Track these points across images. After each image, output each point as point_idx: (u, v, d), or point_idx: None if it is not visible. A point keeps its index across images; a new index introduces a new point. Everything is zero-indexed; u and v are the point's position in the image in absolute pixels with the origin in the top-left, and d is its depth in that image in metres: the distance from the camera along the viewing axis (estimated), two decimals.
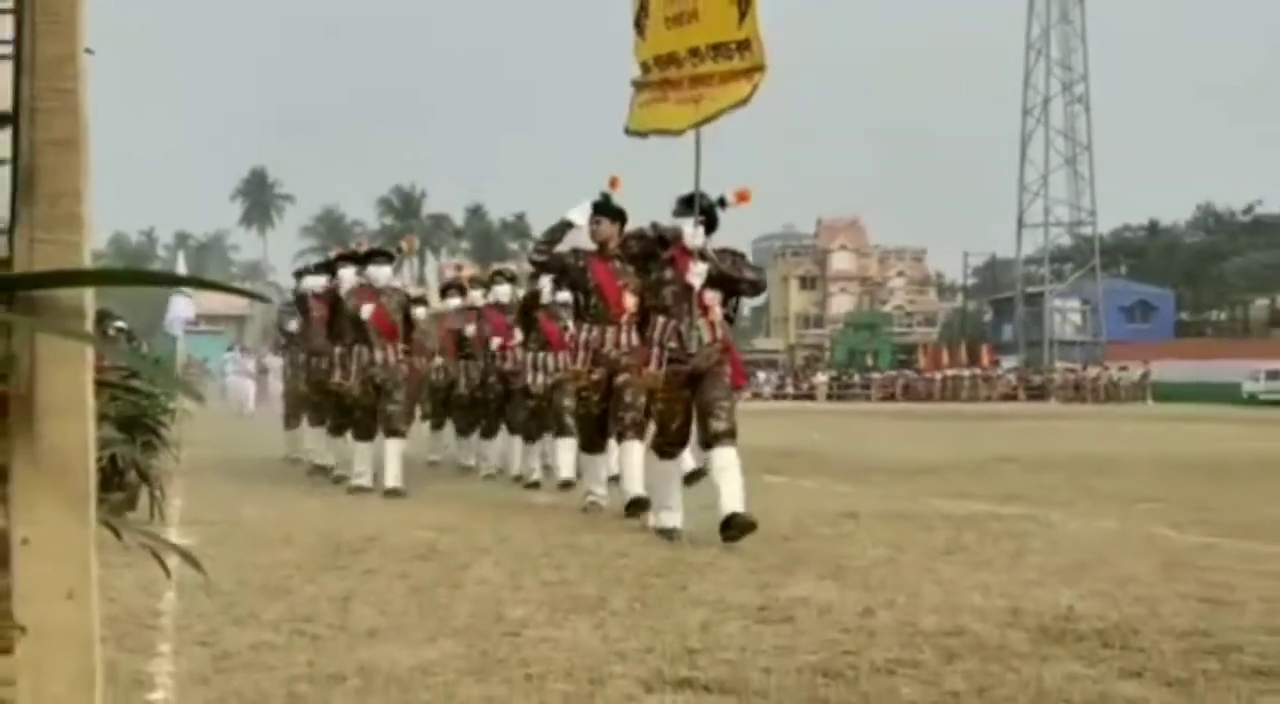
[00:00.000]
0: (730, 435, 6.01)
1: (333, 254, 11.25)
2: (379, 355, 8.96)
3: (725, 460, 5.97)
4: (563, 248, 7.48)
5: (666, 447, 6.35)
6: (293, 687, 3.13)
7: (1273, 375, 41.92)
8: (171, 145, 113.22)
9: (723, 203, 6.39)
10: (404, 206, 76.91)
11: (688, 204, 6.30)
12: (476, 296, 11.19)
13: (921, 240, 73.40)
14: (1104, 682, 3.23)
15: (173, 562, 4.60)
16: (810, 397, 49.50)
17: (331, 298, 9.69)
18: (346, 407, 9.28)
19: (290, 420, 11.89)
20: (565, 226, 7.36)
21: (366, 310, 8.95)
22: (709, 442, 6.07)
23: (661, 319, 6.31)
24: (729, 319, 6.47)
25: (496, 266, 10.91)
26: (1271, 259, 62.95)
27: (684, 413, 6.27)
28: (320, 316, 10.19)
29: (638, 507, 6.94)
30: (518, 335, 9.60)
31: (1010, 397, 49.17)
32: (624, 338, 7.48)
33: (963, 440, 17.16)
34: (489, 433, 10.33)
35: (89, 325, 0.94)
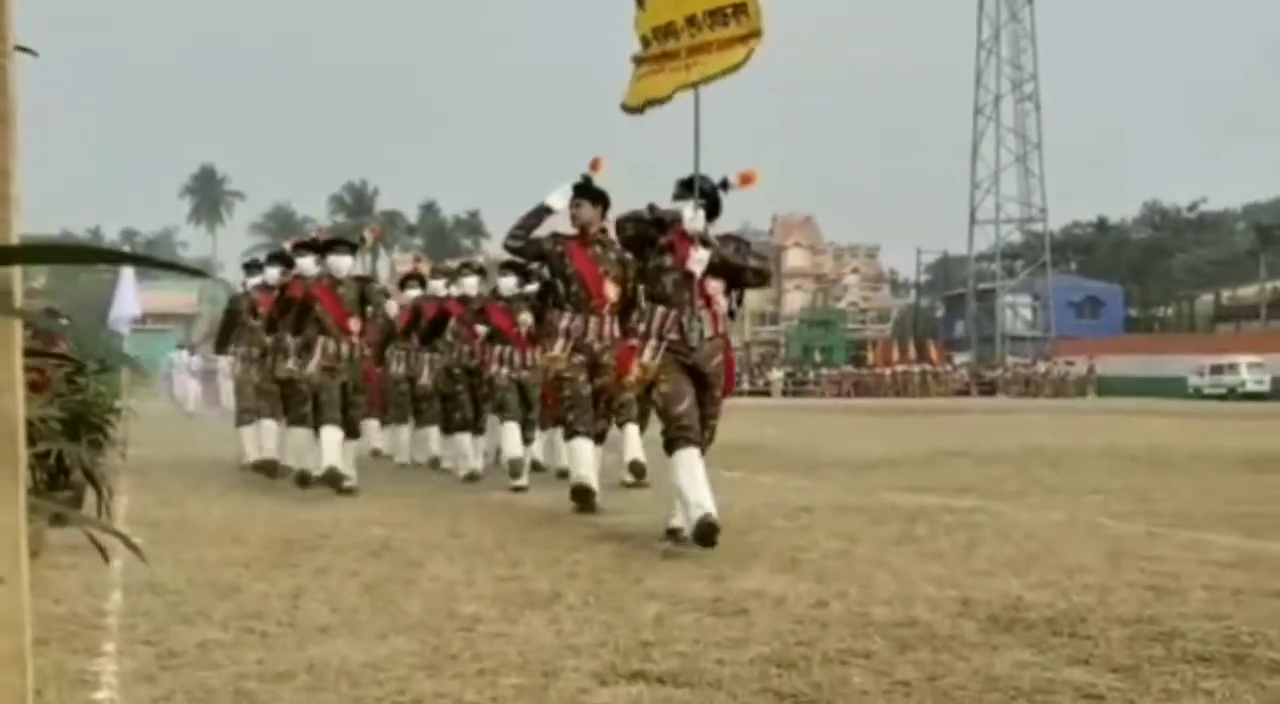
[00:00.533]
0: (710, 442, 5.88)
1: (287, 244, 10.82)
2: (344, 349, 8.65)
3: (698, 469, 5.79)
4: (541, 232, 7.11)
5: (680, 431, 5.64)
6: (241, 684, 3.09)
7: (1216, 370, 42.65)
8: (118, 141, 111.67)
9: (725, 185, 5.98)
10: (356, 203, 76.34)
11: (687, 186, 5.92)
12: (438, 286, 10.91)
13: (875, 237, 73.82)
14: (1052, 669, 3.27)
15: (118, 563, 4.51)
16: (766, 393, 49.73)
17: (282, 290, 9.37)
18: (301, 397, 8.95)
19: (243, 417, 11.35)
20: (543, 211, 6.99)
21: (320, 305, 8.67)
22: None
23: (661, 309, 5.84)
24: (730, 314, 6.04)
25: (465, 259, 10.99)
26: (1216, 255, 64.10)
27: (691, 393, 5.72)
28: (273, 310, 9.81)
29: (584, 495, 6.92)
30: (480, 330, 9.41)
31: (963, 392, 49.66)
32: (606, 328, 7.22)
33: (914, 435, 17.30)
34: (451, 429, 10.07)
35: (18, 302, 0.92)
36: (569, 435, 7.31)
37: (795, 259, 71.32)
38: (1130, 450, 13.05)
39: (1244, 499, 7.73)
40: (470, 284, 10.17)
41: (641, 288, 6.13)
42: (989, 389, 50.36)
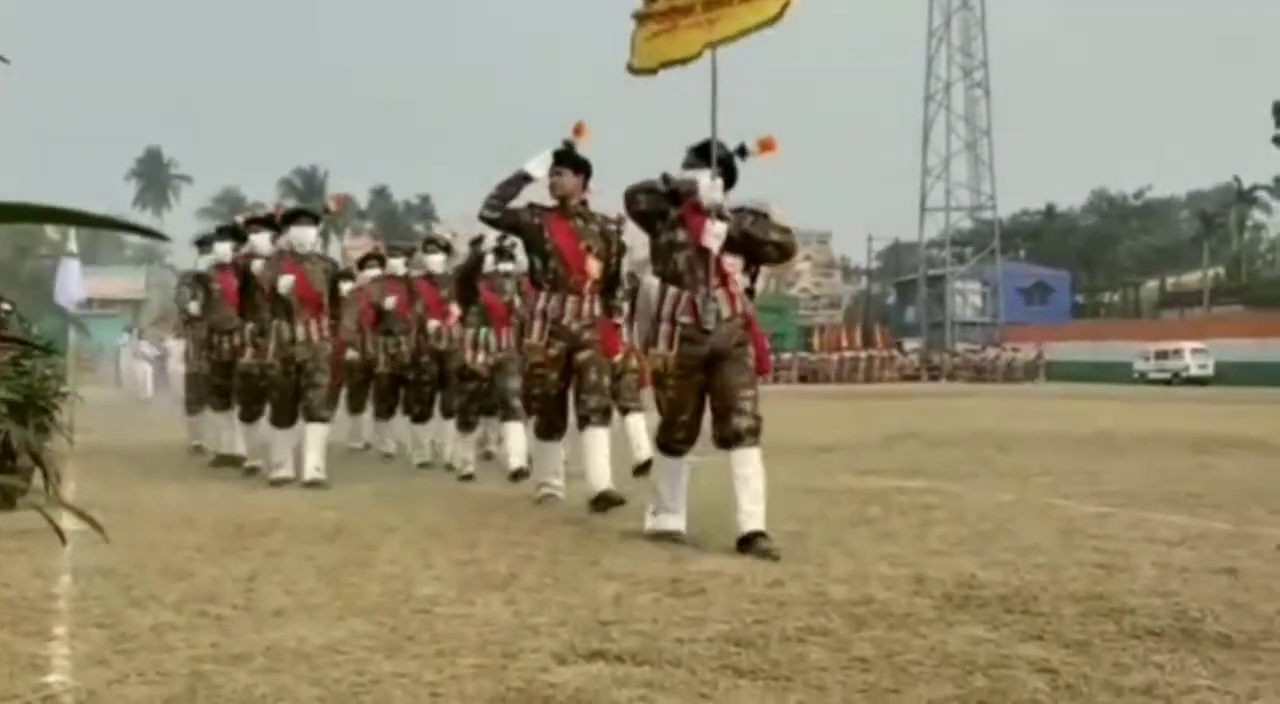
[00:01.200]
0: (754, 434, 5.08)
1: (240, 219, 9.69)
2: (300, 331, 7.90)
3: (747, 465, 5.06)
4: (518, 203, 6.51)
5: (674, 443, 5.35)
6: (196, 667, 3.06)
7: (1161, 355, 43.33)
8: (62, 123, 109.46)
9: (743, 152, 5.38)
10: (306, 187, 75.40)
11: (701, 154, 5.30)
12: (397, 265, 10.36)
13: (826, 224, 74.07)
14: (1007, 645, 3.31)
15: (67, 549, 4.45)
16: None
17: (242, 268, 8.59)
18: (261, 389, 8.43)
19: (193, 406, 10.68)
20: (521, 180, 6.39)
21: (285, 282, 7.89)
22: (727, 439, 5.12)
23: (673, 289, 5.26)
24: (749, 292, 5.42)
25: (430, 234, 10.05)
26: (1161, 242, 65.09)
27: (696, 402, 5.27)
28: (227, 290, 9.17)
29: (606, 501, 6.20)
30: (455, 310, 8.73)
31: (913, 377, 50.09)
32: (586, 308, 6.51)
33: (867, 419, 17.44)
34: (421, 418, 9.46)
35: None
36: (538, 435, 6.76)
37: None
38: (1078, 434, 13.23)
39: (1189, 480, 7.87)
40: (435, 262, 9.53)
41: (624, 264, 5.82)
42: (938, 374, 50.85)
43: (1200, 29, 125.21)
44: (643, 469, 7.49)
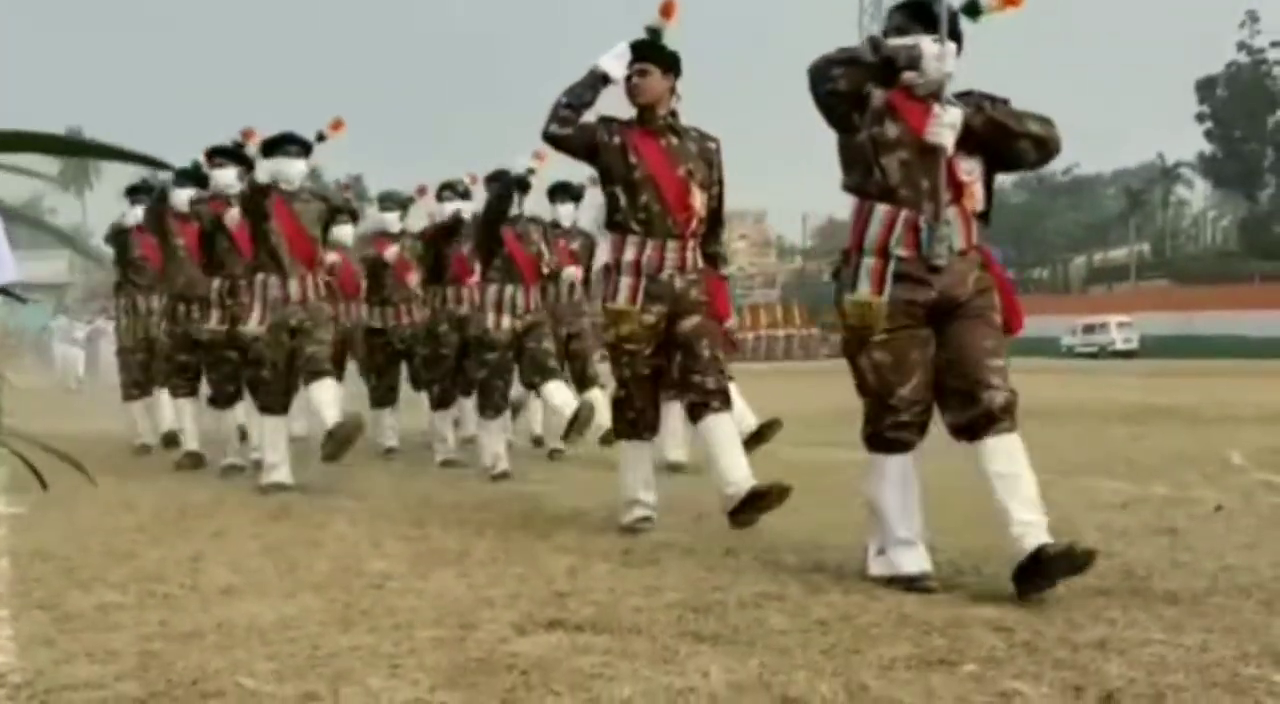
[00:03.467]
0: (1010, 414, 3.63)
1: (202, 156, 7.67)
2: (294, 289, 6.34)
3: (1009, 460, 3.63)
4: (588, 117, 4.85)
5: (893, 430, 3.76)
6: (146, 645, 2.99)
7: (1088, 329, 44.14)
8: None
9: (974, 10, 3.76)
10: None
11: (918, 13, 3.70)
12: (389, 220, 8.59)
13: (761, 203, 74.38)
14: (961, 606, 3.35)
15: (1, 531, 4.31)
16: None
17: (209, 216, 7.15)
18: (233, 365, 7.13)
19: (130, 391, 8.95)
20: (597, 82, 4.74)
21: (231, 216, 6.61)
22: (974, 425, 3.66)
23: (883, 209, 3.64)
24: (983, 217, 3.80)
25: (446, 179, 7.86)
26: (1089, 219, 66.25)
27: (922, 368, 3.68)
28: (190, 245, 7.62)
29: (763, 499, 4.66)
30: (478, 269, 7.23)
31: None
32: (689, 257, 4.88)
33: (810, 394, 17.57)
34: (442, 402, 7.81)
35: None
36: (622, 435, 5.04)
37: None
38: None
39: (1125, 448, 8.03)
40: (453, 208, 7.71)
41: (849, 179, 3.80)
42: None
43: (1124, 8, 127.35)
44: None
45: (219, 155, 7.21)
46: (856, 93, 3.68)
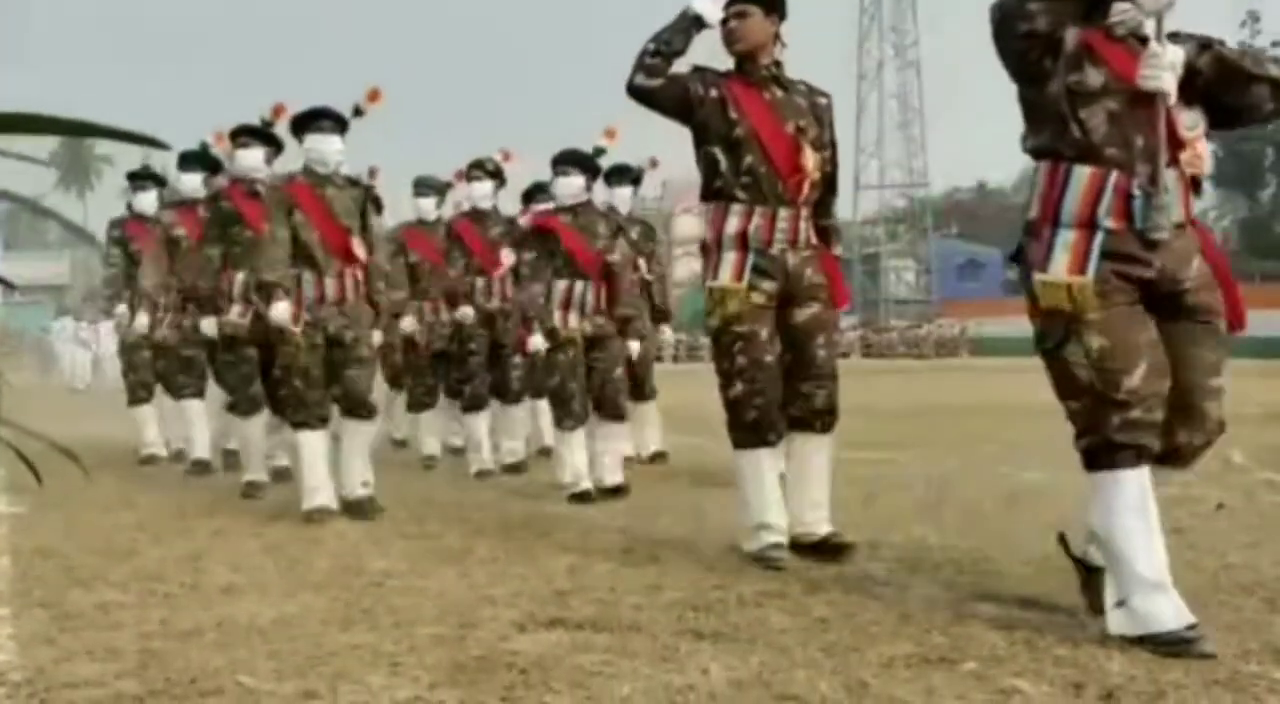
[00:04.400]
0: (1220, 431, 3.12)
1: (210, 136, 6.98)
2: (331, 288, 5.41)
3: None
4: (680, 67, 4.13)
5: (1124, 432, 2.95)
6: (146, 644, 2.99)
7: None
8: None
9: None
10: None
11: None
12: (426, 207, 7.62)
13: None
14: (962, 604, 3.35)
15: (2, 529, 4.31)
16: (659, 358, 49.90)
17: (214, 200, 6.41)
18: (249, 367, 6.21)
19: (140, 394, 8.12)
20: (689, 27, 4.08)
21: (304, 222, 5.38)
22: (1178, 453, 3.10)
23: (1087, 172, 2.98)
24: (1194, 186, 3.08)
25: (473, 159, 7.09)
26: None
27: (1150, 351, 2.95)
28: (191, 233, 6.97)
29: (820, 549, 4.07)
30: (508, 257, 6.34)
31: (844, 354, 50.57)
32: (803, 229, 4.12)
33: None
34: (474, 405, 6.96)
35: None
36: (741, 444, 4.15)
37: (686, 226, 71.38)
38: (1013, 404, 13.42)
39: None
40: (482, 193, 7.02)
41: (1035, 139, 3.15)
42: (873, 351, 51.42)
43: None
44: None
45: (244, 134, 6.27)
46: (1054, 33, 2.99)
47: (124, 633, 3.10)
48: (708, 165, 4.14)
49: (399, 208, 7.72)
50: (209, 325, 6.29)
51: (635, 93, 4.09)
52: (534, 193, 7.23)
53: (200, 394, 7.26)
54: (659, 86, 4.06)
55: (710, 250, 4.13)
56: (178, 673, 2.72)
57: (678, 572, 3.86)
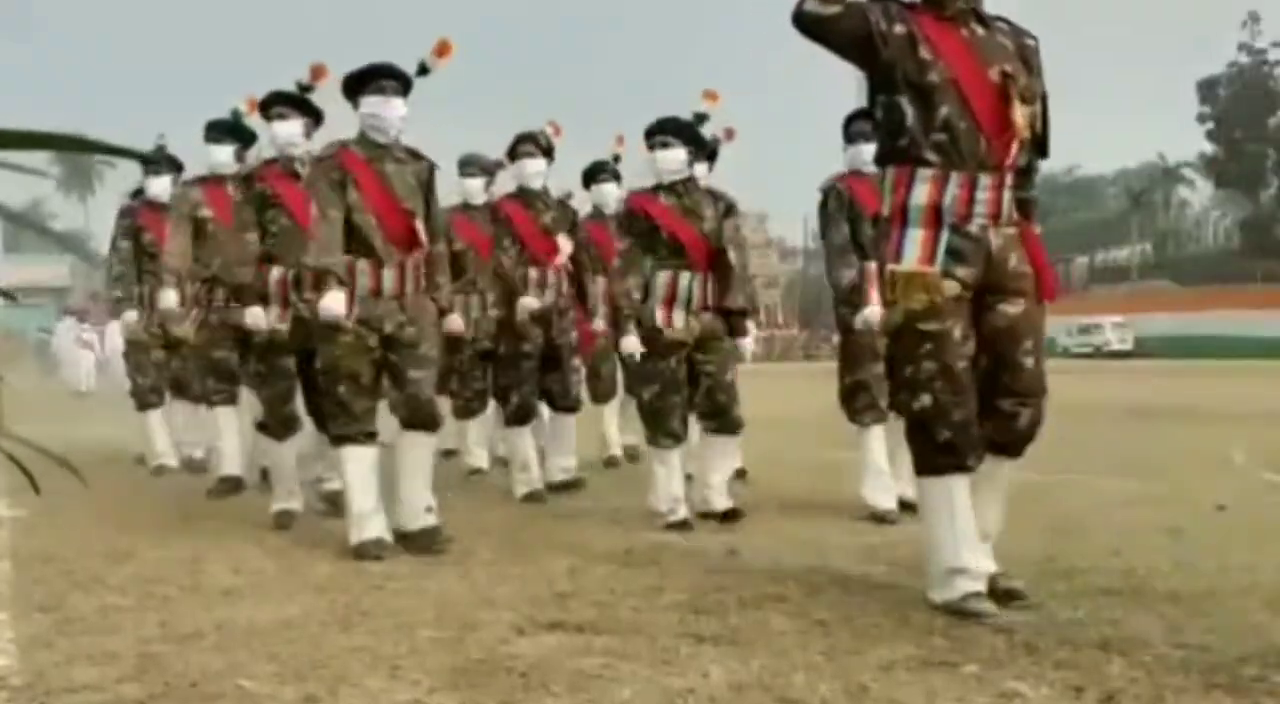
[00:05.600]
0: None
1: (243, 105, 6.11)
2: (391, 279, 4.56)
3: None
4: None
5: None
6: (145, 647, 2.99)
7: (1084, 330, 44.17)
8: None
9: None
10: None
11: None
12: (474, 188, 6.79)
13: (762, 205, 74.36)
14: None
15: (3, 534, 4.32)
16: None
17: (248, 181, 5.37)
18: (288, 383, 5.23)
19: (149, 398, 7.44)
20: None
21: (358, 202, 4.53)
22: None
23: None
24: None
25: (521, 132, 6.24)
26: (1090, 219, 66.19)
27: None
28: (223, 218, 5.91)
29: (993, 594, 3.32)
30: (565, 244, 5.77)
31: None
32: (1005, 200, 3.32)
33: (815, 395, 17.57)
34: (521, 416, 6.02)
35: None
36: (929, 471, 3.36)
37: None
38: None
39: (1126, 448, 8.02)
40: (534, 171, 6.10)
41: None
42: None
43: (1125, 8, 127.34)
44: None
45: (279, 103, 5.28)
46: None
47: (124, 636, 3.10)
48: (890, 120, 3.36)
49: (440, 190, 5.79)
50: (255, 316, 5.19)
51: (804, 22, 3.31)
52: (595, 172, 6.81)
53: (233, 400, 6.17)
54: (834, 14, 3.27)
55: (891, 224, 3.33)
56: (177, 676, 2.72)
57: (678, 574, 3.86)
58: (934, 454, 3.30)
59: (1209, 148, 54.73)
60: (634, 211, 5.13)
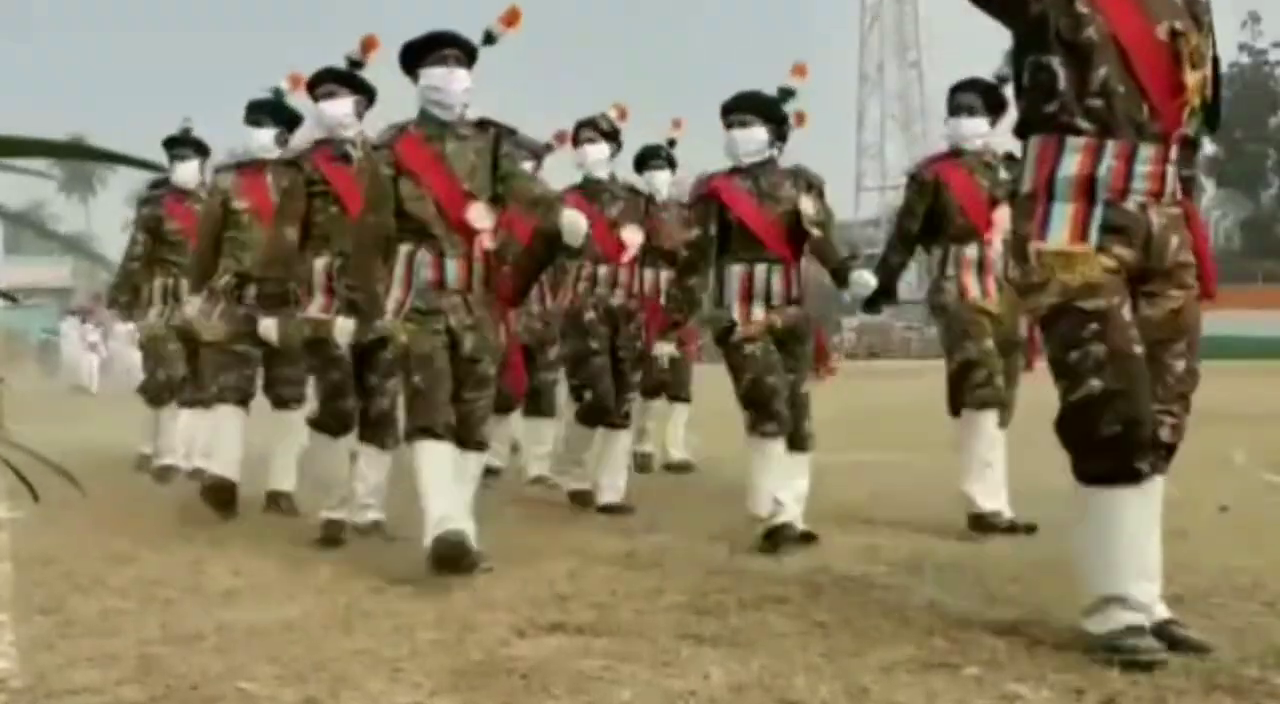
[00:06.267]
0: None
1: (284, 83, 5.58)
2: (455, 271, 4.10)
3: None
4: None
5: None
6: (145, 649, 2.99)
7: None
8: None
9: None
10: None
11: None
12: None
13: None
14: (962, 608, 3.34)
15: (4, 537, 4.32)
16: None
17: (295, 164, 4.99)
18: (341, 375, 4.77)
19: (163, 395, 6.99)
20: None
21: (412, 190, 4.08)
22: None
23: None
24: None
25: (583, 117, 5.85)
26: None
27: None
28: (262, 206, 5.49)
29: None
30: (634, 236, 4.91)
31: (852, 356, 50.57)
32: (1169, 176, 2.93)
33: (814, 396, 17.54)
34: (593, 416, 5.61)
35: None
36: (1094, 477, 2.90)
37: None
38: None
39: None
40: (597, 158, 5.73)
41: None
42: (877, 352, 51.47)
43: None
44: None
45: (328, 81, 4.85)
46: None
47: (124, 639, 3.10)
48: (1037, 82, 2.97)
49: None
50: (268, 327, 5.05)
51: None
52: (648, 157, 6.34)
53: (243, 400, 5.59)
54: None
55: (1033, 202, 2.95)
56: (178, 679, 2.72)
57: (678, 576, 3.86)
58: (1099, 456, 2.81)
59: (1210, 148, 54.70)
60: (707, 196, 4.68)
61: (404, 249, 4.10)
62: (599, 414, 5.55)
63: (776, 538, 4.28)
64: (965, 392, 4.82)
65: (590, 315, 5.59)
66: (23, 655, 2.97)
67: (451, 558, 3.74)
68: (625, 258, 5.30)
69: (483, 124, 4.23)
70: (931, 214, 4.96)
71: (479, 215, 4.06)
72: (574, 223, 3.93)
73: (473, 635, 3.09)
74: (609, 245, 5.40)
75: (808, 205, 4.58)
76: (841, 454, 7.92)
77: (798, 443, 4.59)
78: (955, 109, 4.98)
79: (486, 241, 4.11)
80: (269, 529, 5.04)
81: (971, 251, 4.88)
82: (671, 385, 6.90)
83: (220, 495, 5.33)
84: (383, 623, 3.24)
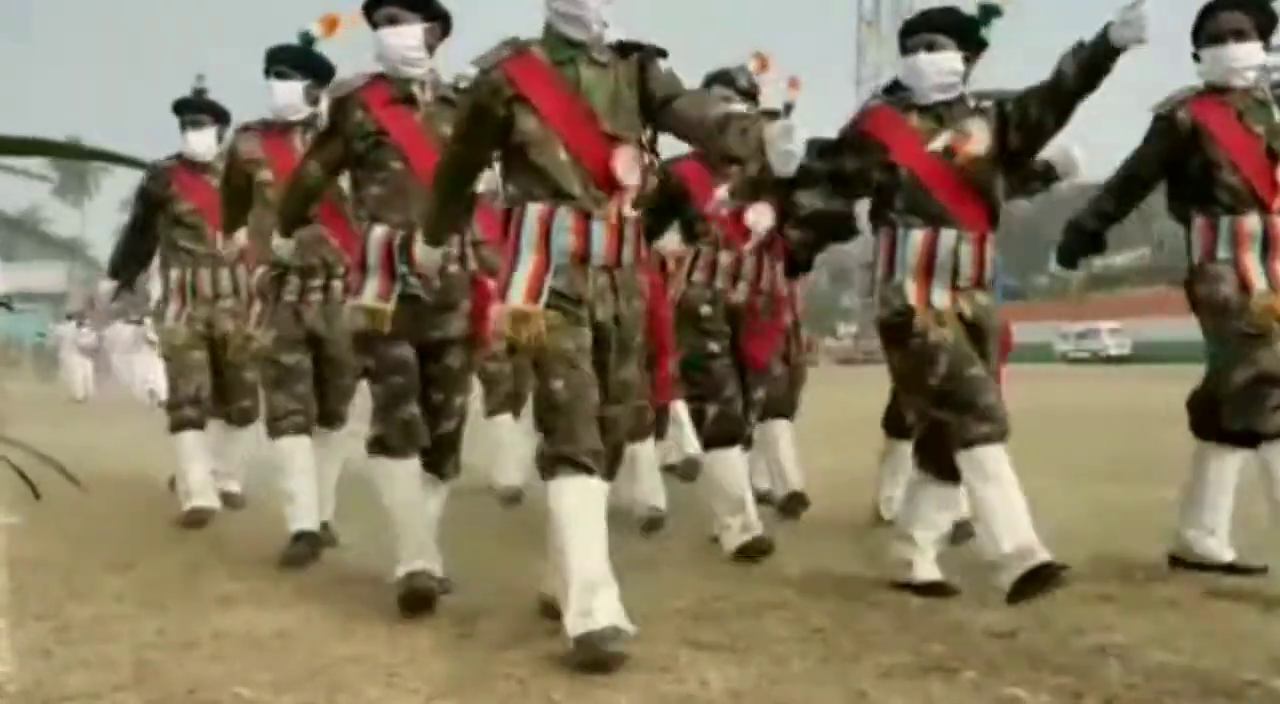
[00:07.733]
0: None
1: (315, 27, 4.51)
2: (603, 237, 3.10)
3: None
4: None
5: None
6: (142, 654, 2.99)
7: (1081, 336, 44.27)
8: None
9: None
10: None
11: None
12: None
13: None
14: (962, 612, 3.35)
15: (0, 541, 4.30)
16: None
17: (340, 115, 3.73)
18: (406, 376, 3.65)
19: (188, 414, 5.57)
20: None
21: (536, 131, 3.09)
22: None
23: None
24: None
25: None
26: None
27: None
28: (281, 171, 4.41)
29: None
30: (759, 220, 4.30)
31: (848, 361, 50.56)
32: None
33: (814, 398, 17.54)
34: (722, 436, 4.45)
35: None
36: None
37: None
38: (1018, 410, 13.43)
39: (1124, 452, 8.01)
40: None
41: None
42: (874, 357, 51.46)
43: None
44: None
45: (391, 2, 3.71)
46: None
47: (121, 644, 3.09)
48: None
49: None
50: (428, 254, 3.53)
51: None
52: None
53: (306, 428, 4.56)
54: None
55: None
56: (175, 684, 2.72)
57: (677, 581, 3.86)
58: None
59: None
60: (863, 132, 3.69)
61: (536, 209, 3.08)
62: (730, 431, 4.42)
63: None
64: (1254, 415, 3.86)
65: (705, 308, 4.45)
66: (19, 660, 2.96)
67: (601, 662, 2.80)
68: (748, 245, 4.38)
69: (624, 48, 3.19)
70: (1184, 169, 3.96)
71: (626, 165, 3.07)
72: (787, 130, 2.98)
73: (470, 641, 3.08)
74: (731, 228, 4.43)
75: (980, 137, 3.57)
76: (836, 458, 7.93)
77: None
78: (1216, 37, 3.88)
79: (627, 204, 3.13)
80: (266, 535, 5.02)
81: (1252, 223, 3.84)
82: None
83: (308, 552, 4.34)
84: (380, 629, 3.23)
